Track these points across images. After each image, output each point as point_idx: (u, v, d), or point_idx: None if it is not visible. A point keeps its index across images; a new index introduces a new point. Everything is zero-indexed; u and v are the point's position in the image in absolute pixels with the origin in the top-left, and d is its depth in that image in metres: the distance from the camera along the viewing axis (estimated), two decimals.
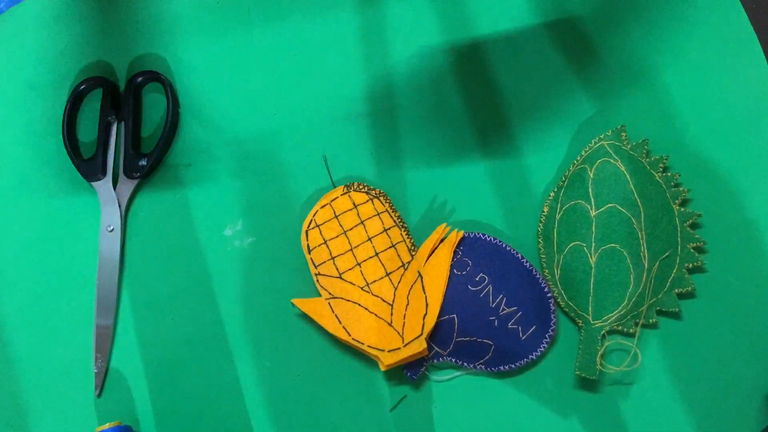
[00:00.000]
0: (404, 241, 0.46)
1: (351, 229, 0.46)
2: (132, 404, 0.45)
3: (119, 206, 0.48)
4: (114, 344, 0.46)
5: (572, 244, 0.45)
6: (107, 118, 0.50)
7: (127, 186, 0.49)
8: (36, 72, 0.52)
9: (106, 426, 0.42)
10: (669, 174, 0.46)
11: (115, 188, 0.49)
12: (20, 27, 0.53)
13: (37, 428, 0.45)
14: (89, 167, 0.49)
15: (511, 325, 0.44)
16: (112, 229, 0.48)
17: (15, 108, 0.51)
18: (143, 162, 0.49)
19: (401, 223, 0.46)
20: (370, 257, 0.45)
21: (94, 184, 0.49)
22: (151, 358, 0.46)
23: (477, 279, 0.44)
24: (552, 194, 0.46)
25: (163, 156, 0.50)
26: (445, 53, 0.51)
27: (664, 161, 0.46)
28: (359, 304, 0.44)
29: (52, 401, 0.46)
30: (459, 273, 0.45)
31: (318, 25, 0.52)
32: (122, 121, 0.50)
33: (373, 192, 0.47)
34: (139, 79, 0.50)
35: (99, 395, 0.45)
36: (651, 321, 0.44)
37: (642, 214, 0.45)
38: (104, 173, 0.49)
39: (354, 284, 0.45)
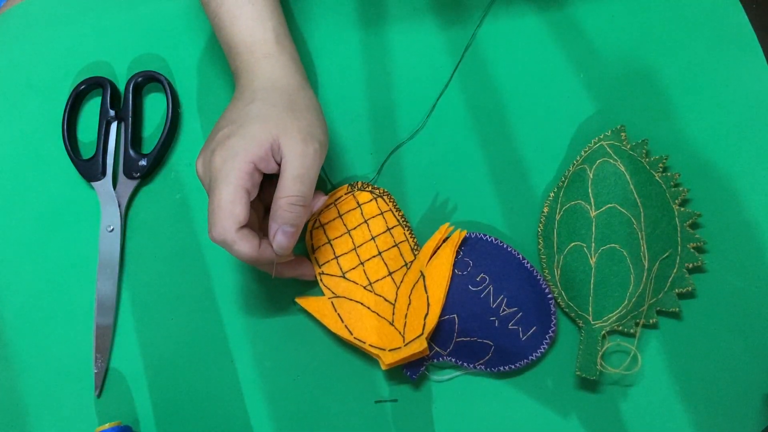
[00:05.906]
0: (407, 240, 0.46)
1: (355, 228, 0.46)
2: (132, 404, 0.45)
3: (119, 206, 0.48)
4: (114, 344, 0.46)
5: (572, 244, 0.45)
6: (107, 118, 0.50)
7: (127, 186, 0.49)
8: (36, 72, 0.52)
9: (106, 426, 0.42)
10: (669, 174, 0.46)
11: (115, 188, 0.49)
12: (20, 27, 0.53)
13: (37, 428, 0.45)
14: (89, 167, 0.49)
15: (512, 325, 0.44)
16: (112, 229, 0.48)
17: (15, 108, 0.51)
18: (143, 162, 0.49)
19: (404, 222, 0.46)
20: (373, 256, 0.45)
21: (94, 184, 0.49)
22: (151, 358, 0.46)
23: (478, 279, 0.44)
24: (552, 194, 0.46)
25: (163, 156, 0.50)
26: (445, 53, 0.51)
27: (664, 161, 0.46)
28: (361, 303, 0.44)
29: (52, 401, 0.46)
30: (460, 273, 0.45)
31: (318, 25, 0.52)
32: (122, 121, 0.50)
33: (377, 191, 0.47)
34: (139, 79, 0.50)
35: (99, 395, 0.45)
36: (651, 321, 0.43)
37: (642, 214, 0.45)
38: (104, 173, 0.49)
39: (357, 283, 0.45)
